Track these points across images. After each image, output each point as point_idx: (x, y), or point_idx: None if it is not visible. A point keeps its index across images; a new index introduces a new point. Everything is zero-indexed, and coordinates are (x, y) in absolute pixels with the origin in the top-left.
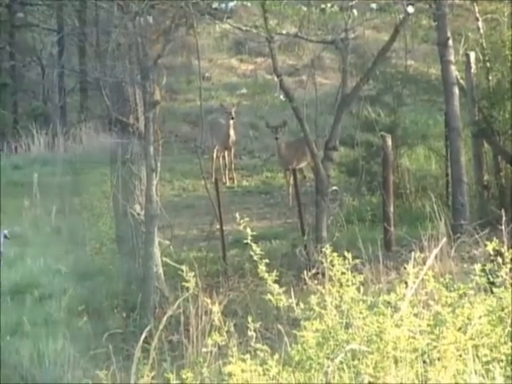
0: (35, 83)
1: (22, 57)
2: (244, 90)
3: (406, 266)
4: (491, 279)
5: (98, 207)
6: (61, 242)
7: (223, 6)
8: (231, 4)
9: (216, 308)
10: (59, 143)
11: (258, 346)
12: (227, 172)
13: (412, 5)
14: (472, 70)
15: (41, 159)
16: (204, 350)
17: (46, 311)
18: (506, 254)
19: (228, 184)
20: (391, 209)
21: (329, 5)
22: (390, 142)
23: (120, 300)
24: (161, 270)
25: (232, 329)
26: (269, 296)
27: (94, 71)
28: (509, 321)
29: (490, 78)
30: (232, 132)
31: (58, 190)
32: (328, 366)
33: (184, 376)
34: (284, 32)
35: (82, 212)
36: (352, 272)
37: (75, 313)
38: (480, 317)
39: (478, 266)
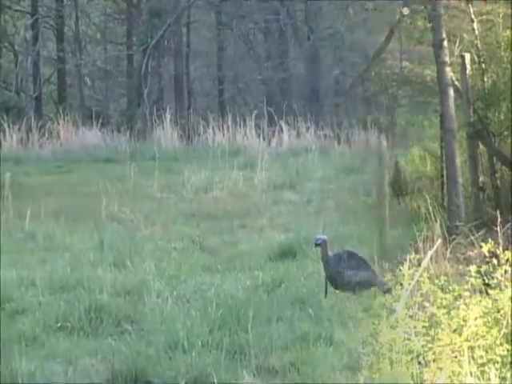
0: (7, 72)
1: None
2: None
3: (401, 267)
4: (486, 281)
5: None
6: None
7: None
8: None
9: None
10: (34, 139)
11: None
12: None
13: (407, 6)
14: (467, 72)
15: (13, 157)
16: None
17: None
18: (502, 255)
19: None
20: (386, 210)
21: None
22: (385, 142)
23: None
24: None
25: None
26: None
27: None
28: (504, 322)
29: (485, 79)
30: None
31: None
32: None
33: None
34: None
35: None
36: None
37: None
38: (475, 318)
39: (473, 268)
